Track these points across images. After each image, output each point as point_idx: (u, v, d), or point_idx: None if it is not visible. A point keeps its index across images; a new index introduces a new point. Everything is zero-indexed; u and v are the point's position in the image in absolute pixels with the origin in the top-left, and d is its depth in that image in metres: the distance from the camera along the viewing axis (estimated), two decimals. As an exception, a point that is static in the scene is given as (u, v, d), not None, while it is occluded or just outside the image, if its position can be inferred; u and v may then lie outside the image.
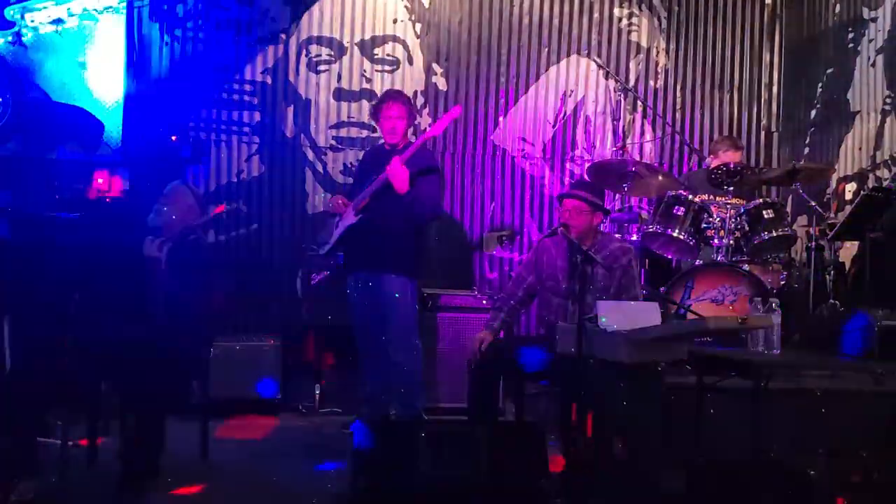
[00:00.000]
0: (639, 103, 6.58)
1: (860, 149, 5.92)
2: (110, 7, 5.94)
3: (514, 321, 4.98)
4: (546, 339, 4.21)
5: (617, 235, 5.27)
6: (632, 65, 6.59)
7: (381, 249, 4.93)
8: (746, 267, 5.10)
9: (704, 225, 5.20)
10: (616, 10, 6.57)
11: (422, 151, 5.01)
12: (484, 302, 5.54)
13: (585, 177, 5.92)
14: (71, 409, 3.74)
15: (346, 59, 6.28)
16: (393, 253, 4.90)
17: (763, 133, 6.78)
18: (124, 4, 5.96)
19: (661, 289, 4.97)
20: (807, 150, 6.44)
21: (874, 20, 5.87)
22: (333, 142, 6.27)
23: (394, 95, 5.15)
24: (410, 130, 5.33)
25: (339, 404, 5.87)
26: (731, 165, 5.23)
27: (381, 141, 5.32)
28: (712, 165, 5.60)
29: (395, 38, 6.33)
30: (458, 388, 5.41)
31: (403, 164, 4.82)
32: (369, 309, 5.08)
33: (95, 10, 5.91)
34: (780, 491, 3.62)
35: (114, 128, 5.94)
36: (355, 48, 6.28)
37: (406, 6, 6.33)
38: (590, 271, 4.21)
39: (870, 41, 5.90)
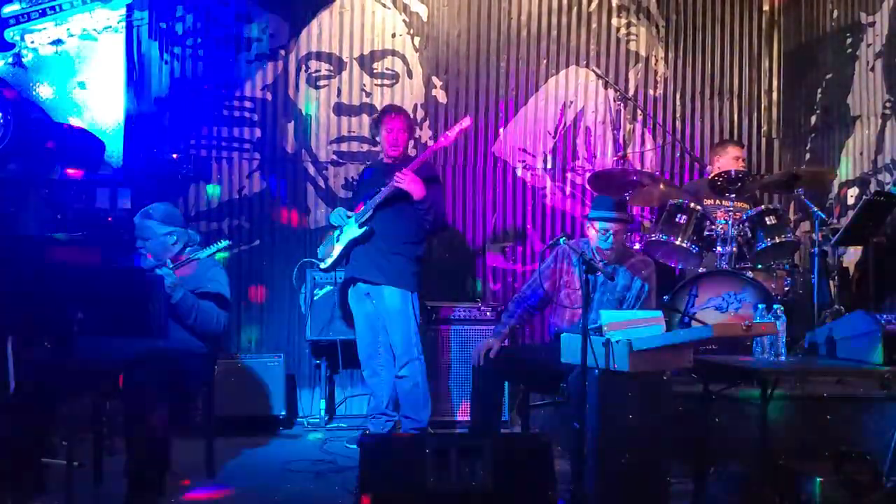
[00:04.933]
0: (639, 112, 6.57)
1: (861, 153, 5.92)
2: (109, 27, 5.96)
3: (525, 327, 4.88)
4: (553, 347, 4.20)
5: (637, 247, 5.24)
6: (631, 74, 6.59)
7: (384, 262, 4.95)
8: (750, 274, 5.09)
9: (707, 232, 5.20)
10: (614, 20, 6.58)
11: (425, 163, 5.05)
12: (488, 314, 5.54)
13: (587, 186, 5.94)
14: (76, 428, 3.72)
15: (345, 73, 6.29)
16: (395, 265, 4.91)
17: (763, 140, 6.78)
18: (123, 24, 5.98)
19: (665, 297, 4.95)
20: (808, 155, 6.43)
21: (872, 25, 5.87)
22: (334, 156, 6.27)
23: (395, 109, 5.24)
24: (411, 143, 5.38)
25: (345, 419, 5.87)
26: (738, 163, 5.27)
27: (381, 156, 5.36)
28: (716, 167, 5.61)
29: (394, 52, 6.34)
30: (463, 401, 5.42)
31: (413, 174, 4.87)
32: (372, 322, 5.09)
33: (94, 29, 5.94)
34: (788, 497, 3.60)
35: (115, 147, 5.96)
36: (354, 63, 6.30)
37: (404, 20, 6.34)
38: (609, 283, 4.24)
39: (868, 46, 5.90)
